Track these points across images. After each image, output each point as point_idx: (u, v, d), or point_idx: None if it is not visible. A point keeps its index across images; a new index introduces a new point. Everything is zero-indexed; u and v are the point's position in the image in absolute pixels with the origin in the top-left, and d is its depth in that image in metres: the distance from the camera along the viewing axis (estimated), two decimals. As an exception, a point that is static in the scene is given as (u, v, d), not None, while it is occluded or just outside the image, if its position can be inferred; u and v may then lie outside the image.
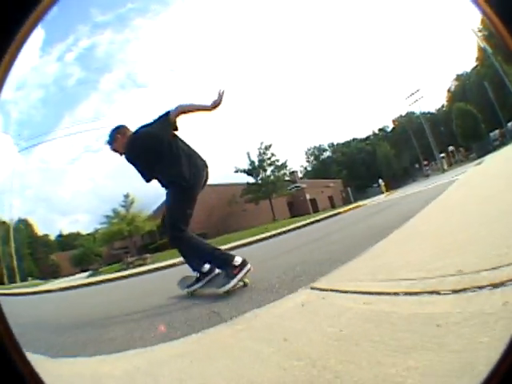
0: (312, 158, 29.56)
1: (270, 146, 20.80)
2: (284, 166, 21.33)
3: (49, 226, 32.51)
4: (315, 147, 29.56)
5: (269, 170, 20.58)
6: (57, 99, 32.74)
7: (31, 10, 0.96)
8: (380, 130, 31.65)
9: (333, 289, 2.38)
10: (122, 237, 17.91)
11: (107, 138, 3.85)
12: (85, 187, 33.28)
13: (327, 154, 30.02)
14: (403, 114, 30.18)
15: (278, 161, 20.86)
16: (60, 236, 31.46)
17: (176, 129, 3.59)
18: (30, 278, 28.27)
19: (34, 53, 30.84)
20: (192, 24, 38.24)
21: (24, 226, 29.65)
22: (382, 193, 22.76)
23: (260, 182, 20.24)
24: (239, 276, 3.25)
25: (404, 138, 29.94)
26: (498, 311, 1.41)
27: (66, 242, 30.52)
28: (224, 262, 3.37)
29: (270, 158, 20.74)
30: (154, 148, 3.46)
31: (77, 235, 30.01)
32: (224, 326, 2.26)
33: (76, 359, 2.42)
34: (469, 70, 26.74)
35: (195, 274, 3.70)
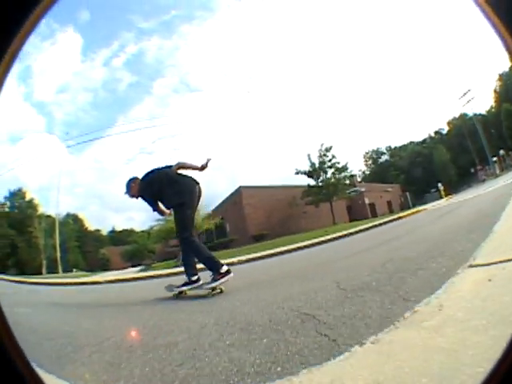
0: (370, 162, 28.55)
1: (330, 147, 20.43)
2: (344, 168, 20.74)
3: (101, 221, 33.74)
4: (373, 150, 28.52)
5: (329, 172, 20.10)
6: (108, 102, 34.04)
7: (31, 10, 0.94)
8: (436, 132, 30.05)
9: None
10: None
11: (125, 189, 4.89)
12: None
13: (385, 157, 28.75)
14: (457, 116, 28.41)
15: (338, 163, 20.37)
16: (112, 232, 32.77)
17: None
18: (74, 270, 29.14)
19: (75, 58, 33.48)
20: (241, 27, 38.61)
21: (73, 220, 30.72)
22: (441, 197, 21.56)
23: (321, 184, 19.78)
24: (222, 280, 4.13)
25: (458, 141, 28.20)
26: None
27: (119, 237, 31.56)
28: (215, 265, 4.21)
29: (330, 160, 20.30)
30: (157, 187, 4.61)
31: (130, 232, 30.88)
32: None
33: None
34: (507, 68, 24.49)
35: (186, 279, 4.49)
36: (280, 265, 7.52)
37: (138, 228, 29.98)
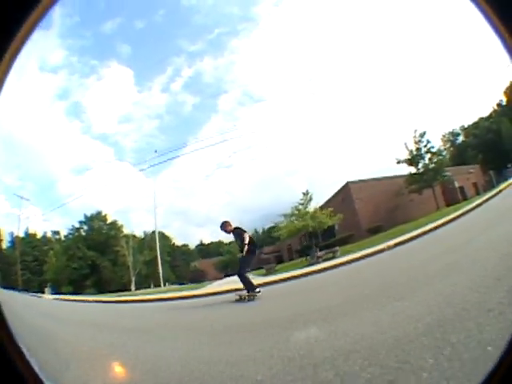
0: (449, 145, 27.90)
1: (424, 133, 20.01)
2: (440, 152, 20.35)
3: (186, 237, 35.00)
4: (449, 132, 27.82)
5: (426, 157, 19.77)
6: (175, 125, 35.26)
7: (31, 10, 0.94)
8: (497, 105, 28.97)
9: None
10: (303, 232, 18.26)
11: (220, 226, 7.95)
12: (222, 200, 35.28)
13: (461, 138, 28.03)
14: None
15: (433, 147, 19.98)
16: (200, 245, 33.90)
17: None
18: (167, 284, 29.54)
19: (129, 89, 34.56)
20: (287, 31, 38.62)
21: (160, 237, 31.43)
22: (520, 172, 20.70)
23: (421, 170, 19.51)
24: (256, 292, 7.12)
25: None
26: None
27: (207, 250, 32.87)
28: (252, 286, 7.22)
29: (426, 146, 19.91)
30: (243, 235, 7.62)
31: (219, 244, 31.88)
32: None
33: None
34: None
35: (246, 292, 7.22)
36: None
37: (226, 240, 30.38)
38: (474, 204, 13.95)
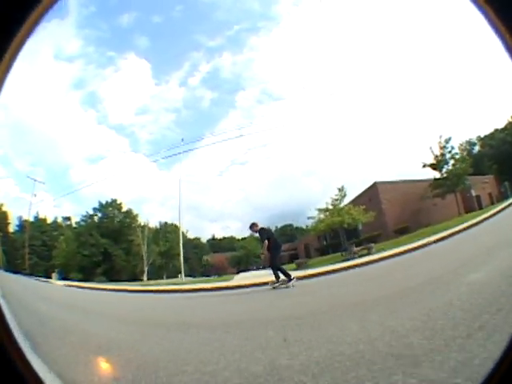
0: (465, 153, 28.25)
1: (449, 139, 20.34)
2: (464, 158, 20.67)
3: (198, 231, 34.85)
4: (466, 142, 28.18)
5: (450, 163, 20.11)
6: (192, 120, 35.26)
7: (31, 9, 0.93)
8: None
9: None
10: (337, 228, 18.52)
11: (250, 226, 9.74)
12: (236, 197, 36.09)
13: (477, 148, 28.41)
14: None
15: (457, 154, 20.32)
16: (213, 239, 34.18)
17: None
18: (179, 275, 29.51)
19: (147, 81, 34.21)
20: (306, 30, 38.74)
21: (173, 229, 31.59)
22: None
23: (445, 175, 19.87)
24: (292, 282, 8.47)
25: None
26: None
27: (219, 245, 33.09)
28: (288, 274, 8.69)
29: (450, 152, 20.25)
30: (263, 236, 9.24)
31: (231, 239, 32.24)
32: None
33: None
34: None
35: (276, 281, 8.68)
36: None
37: (238, 235, 31.28)
38: (493, 211, 14.75)
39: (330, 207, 19.00)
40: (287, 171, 33.99)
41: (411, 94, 32.92)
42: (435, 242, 11.34)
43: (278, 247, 9.37)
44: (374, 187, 20.32)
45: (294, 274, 9.17)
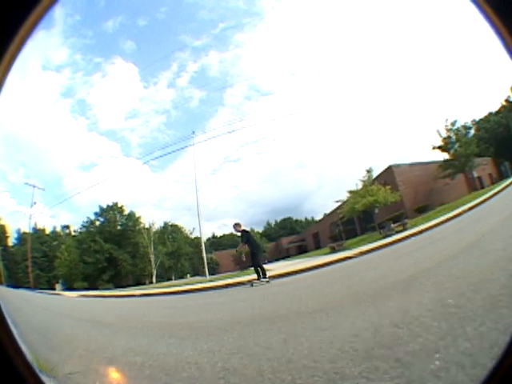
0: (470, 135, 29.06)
1: (455, 121, 20.93)
2: (470, 140, 21.27)
3: (195, 231, 34.53)
4: (462, 126, 28.94)
5: (456, 145, 20.63)
6: (183, 120, 35.89)
7: (31, 9, 0.93)
8: (506, 100, 30.23)
9: None
10: (373, 207, 18.71)
11: (233, 225, 10.57)
12: (230, 194, 36.81)
13: (472, 131, 29.20)
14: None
15: (464, 136, 20.90)
16: (213, 238, 34.13)
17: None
18: (188, 275, 29.15)
19: (135, 84, 34.66)
20: (291, 24, 38.99)
21: (175, 230, 31.15)
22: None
23: (453, 156, 20.41)
24: (267, 278, 9.46)
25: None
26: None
27: (219, 243, 32.87)
28: (265, 273, 9.56)
29: (457, 134, 20.76)
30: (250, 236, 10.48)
31: (232, 236, 31.97)
32: None
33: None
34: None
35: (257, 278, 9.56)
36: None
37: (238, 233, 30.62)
38: (501, 187, 16.04)
39: (360, 189, 19.41)
40: (280, 165, 35.31)
41: (404, 80, 33.75)
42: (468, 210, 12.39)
43: (258, 247, 10.89)
44: (389, 170, 20.95)
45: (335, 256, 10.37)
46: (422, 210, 18.06)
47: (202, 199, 34.09)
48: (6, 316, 0.96)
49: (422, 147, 28.84)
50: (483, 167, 24.92)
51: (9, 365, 0.88)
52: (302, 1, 37.46)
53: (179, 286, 15.29)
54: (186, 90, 35.84)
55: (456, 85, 31.60)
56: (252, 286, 9.38)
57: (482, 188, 22.41)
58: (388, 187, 18.37)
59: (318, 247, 25.32)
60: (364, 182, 19.55)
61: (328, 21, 39.19)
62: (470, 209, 12.60)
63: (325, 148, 34.52)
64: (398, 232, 14.41)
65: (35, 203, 25.59)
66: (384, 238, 14.44)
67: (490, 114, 29.94)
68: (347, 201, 19.94)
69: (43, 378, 1.02)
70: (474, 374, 1.34)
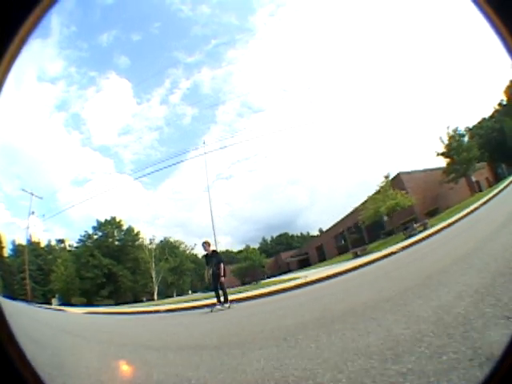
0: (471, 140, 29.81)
1: (456, 128, 21.50)
2: (471, 146, 21.80)
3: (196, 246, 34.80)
4: (458, 133, 29.71)
5: (459, 151, 21.23)
6: (175, 137, 35.88)
7: (31, 10, 0.94)
8: (499, 104, 31.07)
9: None
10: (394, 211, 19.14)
11: (203, 243, 10.15)
12: (223, 211, 35.78)
13: (466, 139, 30.08)
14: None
15: (464, 143, 21.56)
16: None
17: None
18: (190, 292, 28.80)
19: (128, 101, 34.48)
20: (284, 39, 39.43)
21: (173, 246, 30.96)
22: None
23: (456, 162, 20.98)
24: (228, 304, 9.11)
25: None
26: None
27: None
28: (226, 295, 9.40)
29: (457, 140, 21.31)
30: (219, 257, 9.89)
31: (229, 252, 31.77)
32: None
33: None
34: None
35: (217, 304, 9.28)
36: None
37: (234, 249, 31.62)
38: (501, 187, 17.51)
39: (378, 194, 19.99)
40: (272, 182, 35.14)
41: (397, 89, 34.37)
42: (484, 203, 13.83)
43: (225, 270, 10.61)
44: (398, 177, 21.45)
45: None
46: (433, 213, 18.77)
47: (195, 216, 34.63)
48: (7, 316, 0.95)
49: (415, 156, 29.28)
50: (481, 171, 25.59)
51: (9, 365, 0.87)
52: (294, 17, 38.13)
53: (197, 300, 14.87)
54: (179, 107, 35.83)
55: (452, 89, 32.36)
56: (212, 311, 8.99)
57: (481, 191, 22.97)
58: (403, 191, 19.01)
59: (322, 260, 25.44)
60: (382, 187, 20.02)
61: (319, 34, 39.86)
62: (478, 207, 13.69)
63: (317, 163, 34.90)
64: (420, 232, 15.21)
65: (33, 212, 24.88)
66: (407, 238, 15.10)
67: (484, 119, 30.69)
68: (365, 207, 20.37)
69: (43, 377, 1.01)
70: (474, 374, 1.33)
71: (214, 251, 9.99)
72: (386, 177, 20.50)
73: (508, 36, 0.82)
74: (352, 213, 22.13)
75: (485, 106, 33.80)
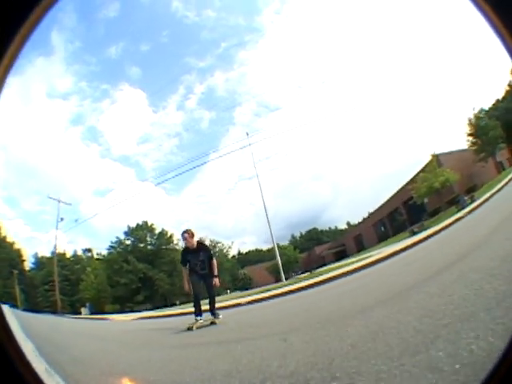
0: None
1: (482, 109, 22.75)
2: (496, 126, 22.91)
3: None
4: (474, 116, 30.82)
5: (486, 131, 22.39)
6: (195, 142, 36.57)
7: (31, 9, 0.93)
8: (509, 85, 32.14)
9: None
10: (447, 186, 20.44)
11: (183, 234, 6.96)
12: (247, 212, 36.44)
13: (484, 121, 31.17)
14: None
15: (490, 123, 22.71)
16: (240, 254, 34.71)
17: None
18: (228, 291, 28.95)
19: (144, 110, 35.67)
20: (293, 36, 39.90)
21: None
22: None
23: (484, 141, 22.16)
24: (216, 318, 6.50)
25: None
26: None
27: (246, 259, 33.77)
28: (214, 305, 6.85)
29: (483, 121, 22.54)
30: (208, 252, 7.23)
31: (258, 252, 33.07)
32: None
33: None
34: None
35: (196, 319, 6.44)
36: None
37: (264, 247, 32.05)
38: None
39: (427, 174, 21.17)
40: (294, 179, 35.75)
41: (407, 81, 35.11)
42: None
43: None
44: (436, 159, 22.67)
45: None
46: (472, 189, 19.94)
47: (220, 219, 35.57)
48: (7, 317, 0.96)
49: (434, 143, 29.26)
50: (502, 152, 26.67)
51: (9, 365, 0.87)
52: (299, 13, 38.48)
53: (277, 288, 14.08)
54: (196, 112, 36.78)
55: (459, 81, 33.40)
56: (191, 329, 6.10)
57: (504, 170, 24.01)
58: (449, 169, 20.37)
59: (360, 249, 25.80)
60: (428, 166, 21.45)
61: (328, 28, 40.37)
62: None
63: (338, 158, 35.34)
64: (469, 203, 16.25)
65: (62, 219, 24.72)
66: (459, 210, 15.99)
67: (498, 101, 31.72)
68: (414, 186, 21.32)
69: (43, 377, 1.00)
70: (474, 374, 1.34)
71: (200, 243, 7.21)
72: (434, 156, 21.74)
73: (508, 36, 0.81)
74: (391, 198, 23.06)
75: (497, 89, 34.43)
